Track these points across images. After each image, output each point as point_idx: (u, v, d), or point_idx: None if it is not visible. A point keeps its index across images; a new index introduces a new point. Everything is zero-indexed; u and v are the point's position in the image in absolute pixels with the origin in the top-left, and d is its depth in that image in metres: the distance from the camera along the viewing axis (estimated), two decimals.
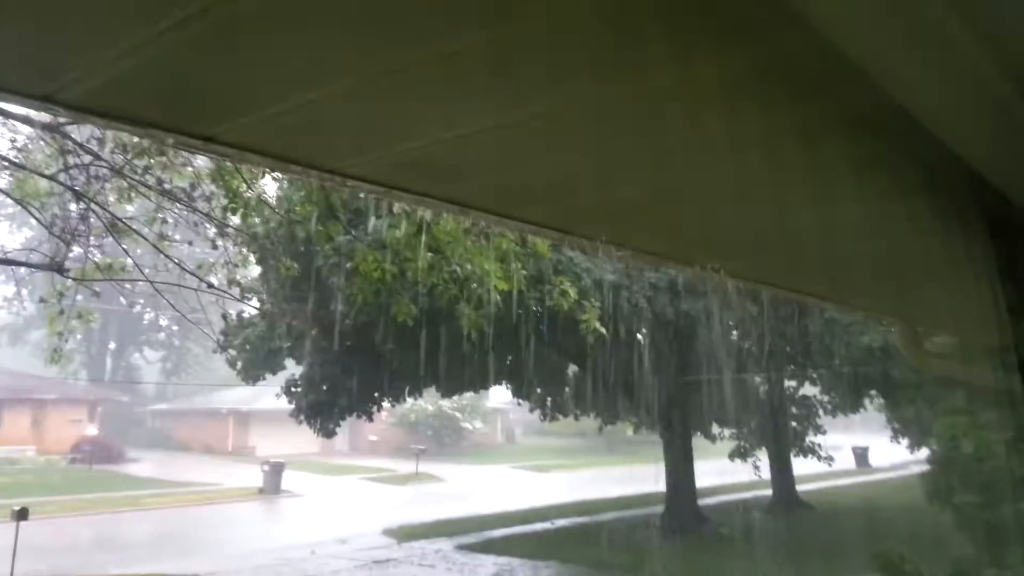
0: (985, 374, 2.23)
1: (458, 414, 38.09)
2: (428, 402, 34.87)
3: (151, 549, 15.24)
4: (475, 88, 1.46)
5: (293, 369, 15.61)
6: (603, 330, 9.78)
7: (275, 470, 24.42)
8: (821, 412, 19.49)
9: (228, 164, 7.44)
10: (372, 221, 9.42)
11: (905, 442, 19.81)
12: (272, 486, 24.12)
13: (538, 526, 17.87)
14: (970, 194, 1.78)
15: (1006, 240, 1.76)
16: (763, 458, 19.00)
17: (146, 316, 48.56)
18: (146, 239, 8.40)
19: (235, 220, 8.61)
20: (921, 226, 2.08)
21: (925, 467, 9.24)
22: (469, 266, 8.21)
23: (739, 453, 18.92)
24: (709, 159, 1.71)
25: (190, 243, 8.86)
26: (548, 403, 18.33)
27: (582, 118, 1.56)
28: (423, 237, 7.86)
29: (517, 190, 2.02)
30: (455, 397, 24.00)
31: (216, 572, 12.96)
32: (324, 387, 14.94)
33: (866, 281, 2.76)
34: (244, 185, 7.89)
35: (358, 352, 13.77)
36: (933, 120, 1.38)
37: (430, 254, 8.25)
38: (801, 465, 19.60)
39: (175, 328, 48.18)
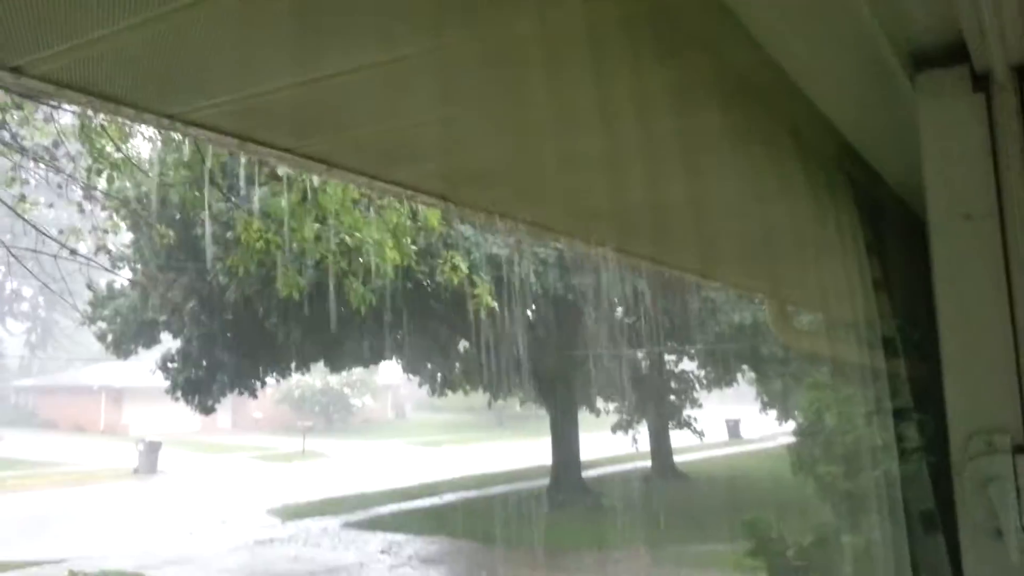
0: (848, 350, 2.28)
1: (347, 390, 37.49)
2: (316, 378, 34.11)
3: (14, 533, 14.15)
4: (333, 26, 1.31)
5: (170, 343, 14.86)
6: (494, 304, 9.74)
7: (151, 449, 23.26)
8: (698, 386, 20.32)
9: (94, 122, 6.86)
10: (255, 189, 8.97)
11: (774, 414, 20.92)
12: (148, 466, 22.97)
13: (427, 501, 17.83)
14: (841, 167, 1.78)
15: (874, 215, 1.77)
16: (644, 431, 19.68)
17: (8, 285, 45.00)
18: (2, 201, 7.70)
19: (103, 183, 8.00)
20: (792, 200, 2.10)
21: (792, 439, 9.75)
22: (358, 236, 7.94)
23: (621, 426, 19.51)
24: (576, 124, 1.65)
25: (51, 206, 8.19)
26: (438, 378, 18.30)
27: (454, 65, 1.43)
28: (308, 206, 7.53)
29: (390, 148, 1.90)
30: (344, 372, 23.55)
31: (85, 557, 12.18)
32: (203, 362, 14.30)
33: (738, 257, 2.80)
34: (112, 145, 7.30)
35: (240, 326, 13.22)
36: (810, 84, 1.35)
37: (317, 224, 7.94)
38: (679, 437, 20.42)
39: (40, 299, 44.90)
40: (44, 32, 1.28)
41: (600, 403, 19.68)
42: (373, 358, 16.25)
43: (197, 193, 8.43)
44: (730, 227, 2.47)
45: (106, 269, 8.85)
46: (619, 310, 16.16)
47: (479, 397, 20.30)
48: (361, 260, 8.23)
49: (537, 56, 1.37)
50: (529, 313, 14.83)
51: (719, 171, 1.95)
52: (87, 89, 1.44)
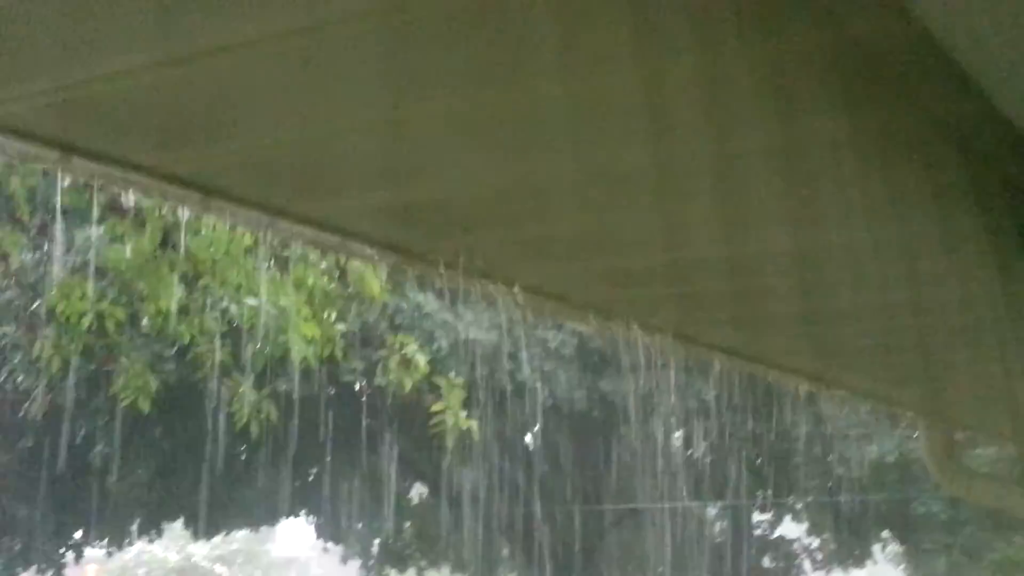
0: None
1: (221, 568, 36.95)
2: (170, 546, 33.61)
3: None
4: None
5: None
6: (470, 425, 9.74)
7: None
8: (809, 564, 20.10)
9: None
10: (84, 231, 9.03)
11: None
12: None
13: None
14: None
15: None
16: None
17: None
18: None
19: None
20: (967, 268, 2.15)
21: None
22: (251, 306, 7.96)
23: None
24: (607, 136, 1.80)
25: None
26: (374, 548, 18.10)
27: (410, 35, 1.48)
28: (171, 257, 7.58)
29: (306, 169, 1.99)
30: (216, 538, 23.17)
31: None
32: None
33: (875, 353, 2.82)
34: None
35: (47, 461, 13.13)
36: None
37: (184, 287, 8.00)
38: None
39: None
40: None
41: None
42: (267, 515, 16.10)
43: None
44: (862, 303, 2.50)
45: None
46: (677, 436, 16.11)
47: None
48: (255, 346, 8.25)
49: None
50: (530, 439, 14.78)
51: (844, 211, 2.00)
52: None
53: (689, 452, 16.03)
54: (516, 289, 2.57)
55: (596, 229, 2.24)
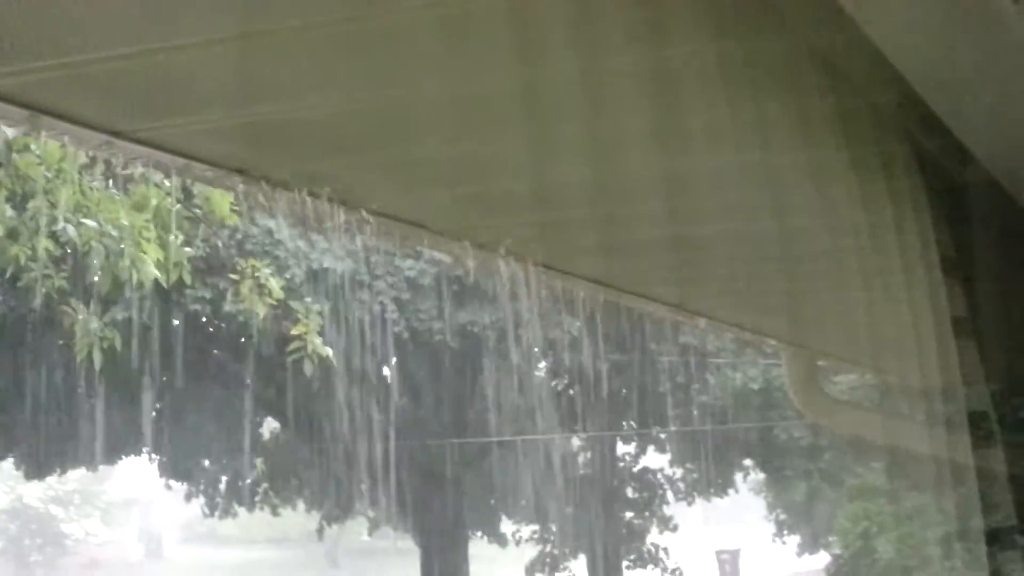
0: (916, 432, 2.38)
1: (56, 509, 36.35)
2: None
3: None
4: None
5: None
6: (327, 352, 9.70)
7: None
8: (671, 495, 20.64)
9: None
10: None
11: (795, 540, 21.45)
12: None
13: None
14: (907, 136, 1.87)
15: (958, 213, 1.86)
16: (581, 571, 19.82)
17: None
18: None
19: None
20: (827, 187, 2.20)
21: None
22: (89, 227, 7.72)
23: (543, 564, 19.57)
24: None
25: None
26: (221, 486, 17.94)
27: None
28: None
29: (146, 80, 1.97)
30: (50, 478, 22.68)
31: None
32: None
33: (738, 280, 2.88)
34: None
35: None
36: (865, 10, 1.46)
37: (11, 209, 7.72)
38: None
39: None
40: None
41: (508, 526, 19.71)
42: (107, 453, 15.85)
43: None
44: (726, 230, 2.54)
45: None
46: (541, 367, 16.30)
47: (298, 519, 19.98)
48: (94, 273, 8.03)
49: None
50: (388, 370, 14.77)
51: (710, 137, 2.02)
52: None
53: (553, 384, 16.27)
54: (371, 215, 2.56)
55: (459, 153, 2.23)
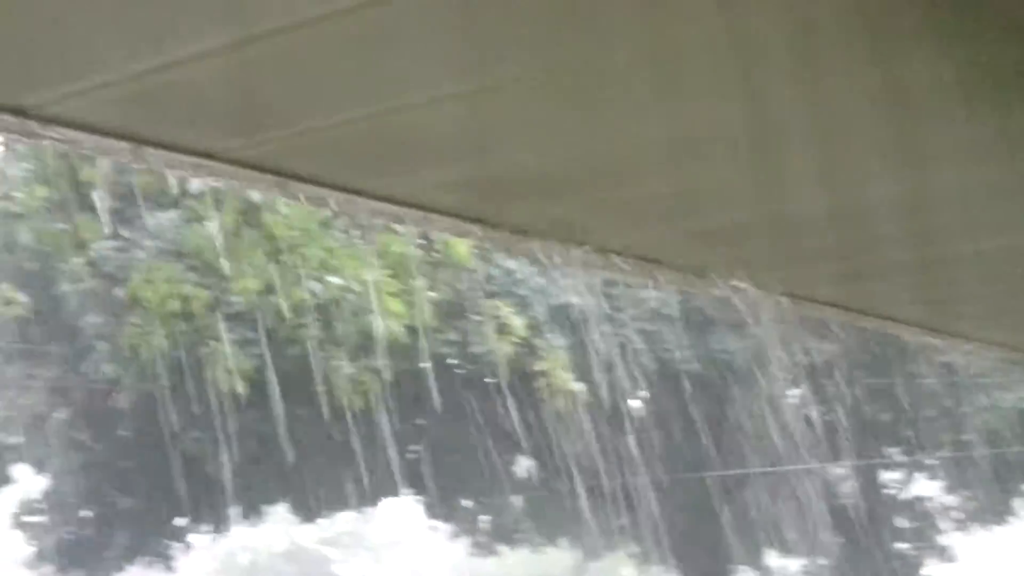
0: None
1: (328, 550, 37.34)
2: (273, 530, 34.04)
3: None
4: None
5: (31, 482, 15.22)
6: (576, 388, 9.80)
7: None
8: (945, 524, 19.79)
9: None
10: (157, 216, 9.19)
11: None
12: None
13: None
14: None
15: None
16: None
17: None
18: None
19: None
20: None
21: None
22: (336, 282, 8.07)
23: None
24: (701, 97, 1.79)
25: None
26: (484, 525, 18.14)
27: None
28: (249, 235, 7.71)
29: (384, 144, 2.05)
30: (321, 520, 23.50)
31: None
32: (87, 512, 14.53)
33: (995, 296, 2.77)
34: None
35: (142, 448, 13.45)
36: None
37: (266, 265, 8.12)
38: None
39: None
40: None
41: (774, 559, 19.27)
42: (370, 495, 16.28)
43: (63, 226, 8.69)
44: (980, 249, 2.46)
45: None
46: (793, 394, 15.92)
47: (559, 556, 20.08)
48: (345, 324, 8.34)
49: None
50: (637, 403, 14.73)
51: (952, 153, 1.97)
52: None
53: (807, 411, 15.86)
54: (606, 252, 2.61)
55: (689, 188, 2.24)
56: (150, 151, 1.90)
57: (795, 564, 19.28)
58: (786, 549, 18.94)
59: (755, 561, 18.88)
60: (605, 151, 2.06)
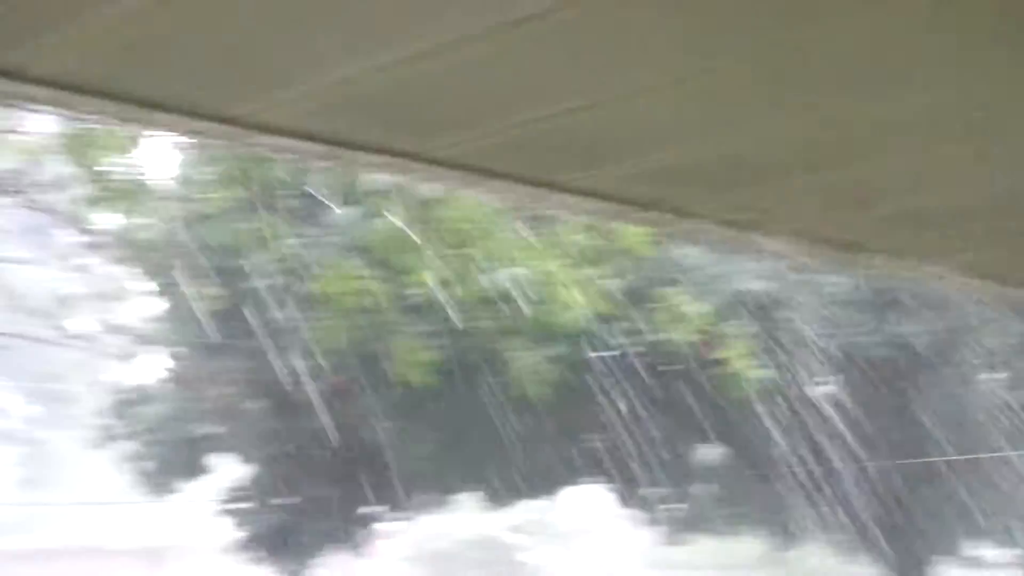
0: None
1: (515, 538, 37.59)
2: (461, 518, 34.40)
3: None
4: None
5: (229, 471, 15.75)
6: (760, 375, 9.67)
7: None
8: None
9: (81, 128, 7.45)
10: (335, 213, 9.40)
11: None
12: None
13: None
14: None
15: None
16: None
17: None
18: None
19: (102, 218, 8.73)
20: None
21: None
22: (516, 273, 8.11)
23: None
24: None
25: (26, 263, 9.00)
26: (671, 513, 18.00)
27: None
28: (424, 229, 7.81)
29: (564, 140, 2.04)
30: (508, 509, 23.70)
31: None
32: (286, 499, 14.93)
33: None
34: (110, 158, 7.93)
35: (333, 439, 13.76)
36: None
37: (444, 257, 8.22)
38: None
39: (27, 409, 48.93)
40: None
41: (973, 548, 18.64)
42: (555, 484, 16.39)
43: (250, 225, 8.96)
44: None
45: (120, 357, 9.55)
46: (988, 378, 15.33)
47: (750, 544, 19.84)
48: (521, 314, 8.38)
49: None
50: (823, 389, 14.40)
51: None
52: (95, 87, 1.60)
53: (1007, 397, 15.27)
54: (791, 237, 2.59)
55: (894, 172, 2.19)
56: (345, 154, 1.95)
57: (1008, 554, 18.60)
58: (993, 539, 18.32)
59: (955, 551, 18.28)
60: (805, 137, 2.03)
